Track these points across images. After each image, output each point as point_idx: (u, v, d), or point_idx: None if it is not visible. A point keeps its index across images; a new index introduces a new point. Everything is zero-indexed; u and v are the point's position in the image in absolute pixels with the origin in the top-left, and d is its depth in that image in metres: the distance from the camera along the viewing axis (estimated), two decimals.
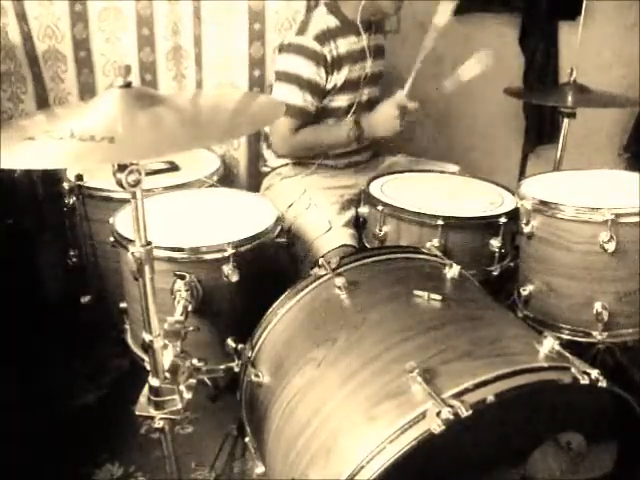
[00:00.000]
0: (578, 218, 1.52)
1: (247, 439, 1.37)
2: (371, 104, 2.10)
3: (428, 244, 1.61)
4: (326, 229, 1.83)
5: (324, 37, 1.90)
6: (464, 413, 0.90)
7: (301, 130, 1.95)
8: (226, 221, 1.58)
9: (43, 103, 2.18)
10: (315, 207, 1.91)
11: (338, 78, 1.95)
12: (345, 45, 1.95)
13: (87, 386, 2.00)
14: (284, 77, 1.93)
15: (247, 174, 2.39)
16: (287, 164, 2.08)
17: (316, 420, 1.07)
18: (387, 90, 2.32)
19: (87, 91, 2.22)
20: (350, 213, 1.93)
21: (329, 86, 1.95)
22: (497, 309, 1.32)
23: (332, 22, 1.94)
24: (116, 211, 1.59)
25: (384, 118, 1.89)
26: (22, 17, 2.07)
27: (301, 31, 1.93)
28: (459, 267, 1.35)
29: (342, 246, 1.77)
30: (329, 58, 1.91)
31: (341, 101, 2.01)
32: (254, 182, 2.31)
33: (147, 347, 1.07)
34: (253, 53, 2.23)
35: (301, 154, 2.03)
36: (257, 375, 1.25)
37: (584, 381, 0.99)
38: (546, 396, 1.05)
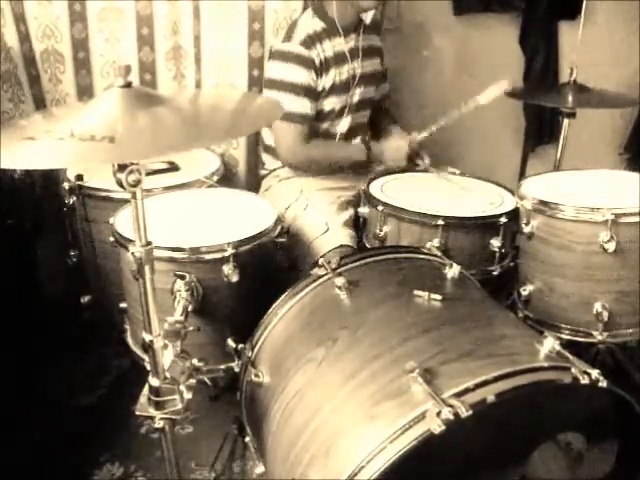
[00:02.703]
0: (578, 218, 1.52)
1: (247, 439, 1.37)
2: (364, 105, 2.11)
3: (428, 244, 1.61)
4: (324, 230, 1.83)
5: (310, 41, 1.90)
6: (464, 413, 0.90)
7: (313, 142, 1.96)
8: (226, 221, 1.58)
9: (40, 105, 2.18)
10: (312, 208, 1.91)
11: (326, 81, 1.95)
12: (331, 48, 1.95)
13: (87, 386, 2.00)
14: (276, 85, 1.92)
15: (246, 173, 2.39)
16: (284, 166, 2.08)
17: (316, 420, 1.07)
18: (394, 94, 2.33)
19: (85, 92, 2.22)
20: (348, 213, 1.93)
21: (319, 89, 1.95)
22: (497, 309, 1.32)
23: (318, 25, 1.94)
24: (116, 211, 1.59)
25: (395, 152, 1.99)
26: (20, 18, 2.07)
27: (287, 37, 1.94)
28: (459, 267, 1.35)
29: (340, 246, 1.77)
30: (317, 61, 1.91)
31: (333, 104, 2.00)
32: (253, 181, 2.31)
33: (147, 347, 1.07)
34: (252, 53, 2.23)
35: (308, 166, 2.02)
36: (257, 375, 1.25)
37: (584, 381, 0.99)
38: (546, 396, 1.05)
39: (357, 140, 2.12)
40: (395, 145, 1.99)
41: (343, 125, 2.05)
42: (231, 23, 2.19)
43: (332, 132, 2.05)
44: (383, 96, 2.23)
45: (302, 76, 1.89)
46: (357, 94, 2.06)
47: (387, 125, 2.21)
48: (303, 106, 1.91)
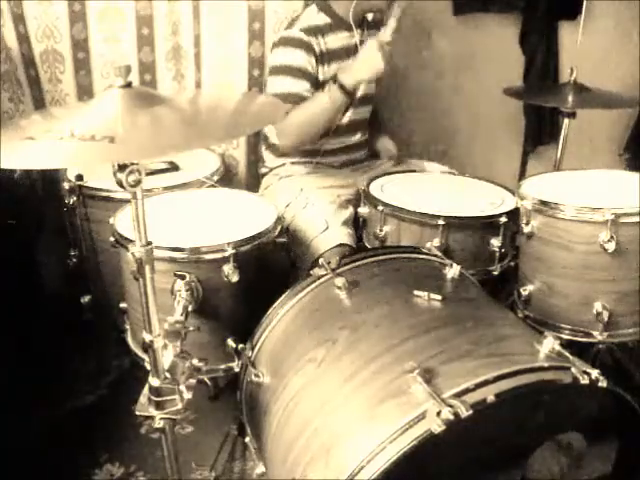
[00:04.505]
0: (578, 218, 1.52)
1: (247, 439, 1.37)
2: (366, 101, 2.11)
3: (428, 244, 1.61)
4: (323, 228, 1.82)
5: (311, 31, 1.91)
6: (464, 413, 0.90)
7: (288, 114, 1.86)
8: (226, 221, 1.57)
9: (40, 105, 2.17)
10: (312, 206, 1.91)
11: (328, 72, 1.95)
12: (336, 41, 1.95)
13: (87, 386, 2.00)
14: (276, 70, 1.93)
15: (246, 173, 2.39)
16: (284, 164, 2.08)
17: (316, 420, 1.07)
18: (386, 90, 2.33)
19: (85, 93, 2.21)
20: (348, 212, 1.93)
21: (320, 77, 1.95)
22: (497, 309, 1.32)
23: (322, 20, 1.95)
24: (116, 211, 1.59)
25: (367, 59, 1.80)
26: (19, 18, 2.07)
27: (289, 27, 1.95)
28: (459, 267, 1.35)
29: (339, 245, 1.77)
30: (317, 50, 1.91)
31: None
32: (253, 181, 2.31)
33: (147, 347, 1.07)
34: (252, 53, 2.24)
35: (300, 139, 1.93)
36: (257, 375, 1.25)
37: (584, 381, 0.99)
38: (546, 396, 1.05)
39: (357, 136, 2.11)
40: (364, 53, 1.80)
41: (343, 119, 2.04)
42: (231, 23, 2.19)
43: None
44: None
45: (300, 58, 1.89)
46: (360, 89, 2.06)
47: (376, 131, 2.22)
48: (298, 86, 1.89)
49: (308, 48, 1.89)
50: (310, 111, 1.87)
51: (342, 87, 1.79)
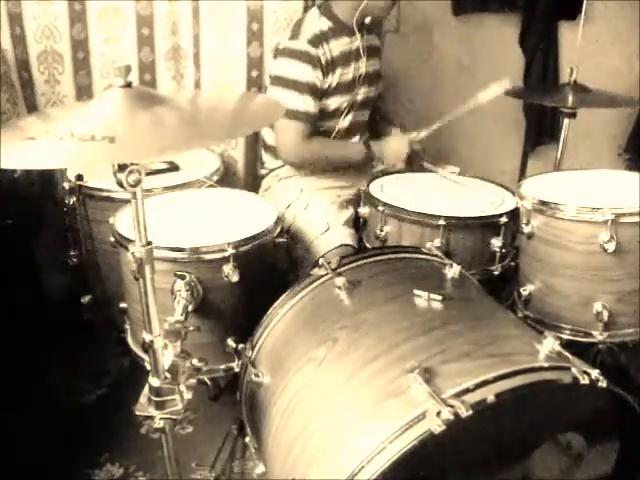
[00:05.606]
0: (578, 218, 1.52)
1: (247, 439, 1.37)
2: (366, 104, 2.12)
3: (429, 244, 1.61)
4: (325, 229, 1.83)
5: (317, 40, 1.91)
6: (464, 413, 0.90)
7: (313, 139, 1.95)
8: (226, 221, 1.58)
9: (33, 108, 2.16)
10: (313, 207, 1.92)
11: (332, 80, 1.96)
12: (338, 47, 1.96)
13: (87, 386, 2.00)
14: (281, 82, 1.93)
15: (245, 173, 2.39)
16: (284, 165, 2.08)
17: (316, 420, 1.07)
18: (386, 90, 2.33)
19: (84, 93, 2.21)
20: (348, 213, 1.94)
21: (325, 87, 1.96)
22: (497, 309, 1.32)
23: (325, 25, 1.95)
24: (116, 211, 1.59)
25: (393, 152, 1.98)
26: (16, 19, 2.06)
27: (294, 35, 1.94)
28: (459, 267, 1.35)
29: (341, 246, 1.77)
30: (323, 60, 1.91)
31: (338, 102, 2.01)
32: (252, 181, 2.31)
33: (147, 347, 1.07)
34: (251, 53, 2.23)
35: (308, 162, 2.02)
36: (257, 375, 1.25)
37: (584, 381, 0.99)
38: (546, 396, 1.05)
39: (356, 138, 2.12)
40: (395, 145, 1.98)
41: (344, 123, 2.05)
42: (230, 23, 2.19)
43: (333, 129, 2.05)
44: (379, 95, 2.24)
45: (307, 74, 1.90)
46: (361, 93, 2.07)
47: (385, 126, 2.22)
48: (306, 104, 1.91)
49: (315, 63, 1.90)
50: (335, 153, 2.04)
51: (370, 158, 2.02)
